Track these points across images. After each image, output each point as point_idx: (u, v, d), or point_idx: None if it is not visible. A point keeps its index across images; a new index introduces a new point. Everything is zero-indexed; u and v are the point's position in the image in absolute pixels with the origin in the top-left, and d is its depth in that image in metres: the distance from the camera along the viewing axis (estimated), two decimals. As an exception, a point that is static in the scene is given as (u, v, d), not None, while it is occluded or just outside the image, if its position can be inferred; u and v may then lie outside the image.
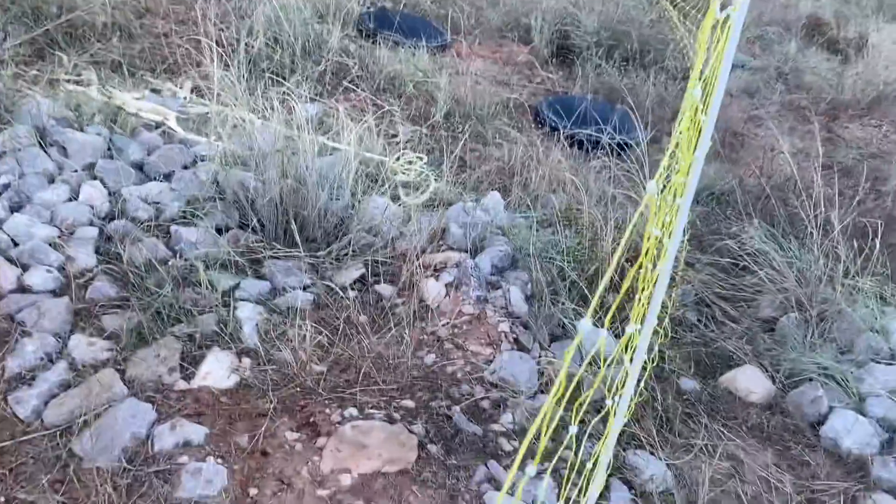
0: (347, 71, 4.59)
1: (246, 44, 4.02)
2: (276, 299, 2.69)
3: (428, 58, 5.05)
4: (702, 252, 3.38)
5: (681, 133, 1.36)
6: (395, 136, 3.90)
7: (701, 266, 3.27)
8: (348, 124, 3.39)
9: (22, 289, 2.53)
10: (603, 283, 1.03)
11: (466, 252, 3.04)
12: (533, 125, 4.66)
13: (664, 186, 1.50)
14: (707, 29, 1.51)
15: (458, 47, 5.63)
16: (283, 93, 3.66)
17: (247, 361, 2.44)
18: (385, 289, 2.83)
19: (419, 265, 2.88)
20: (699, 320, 2.99)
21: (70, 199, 2.93)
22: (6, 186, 2.90)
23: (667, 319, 2.74)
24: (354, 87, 4.45)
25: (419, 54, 5.04)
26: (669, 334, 2.76)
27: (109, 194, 3.01)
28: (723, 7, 1.47)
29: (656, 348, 2.60)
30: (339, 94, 4.31)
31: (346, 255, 2.92)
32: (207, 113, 3.58)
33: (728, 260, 3.30)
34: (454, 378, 2.48)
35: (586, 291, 2.73)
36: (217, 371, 2.36)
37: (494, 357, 2.58)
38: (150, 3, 4.83)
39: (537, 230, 3.18)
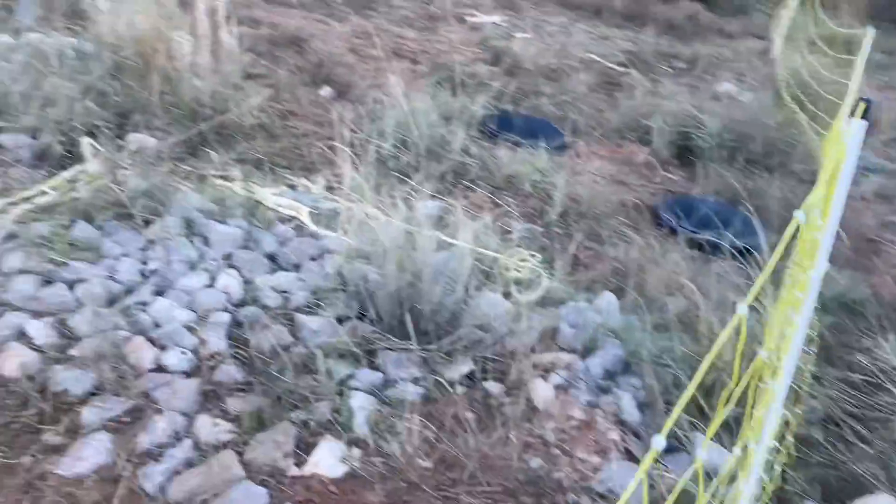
0: (468, 170, 4.77)
1: (375, 145, 4.28)
2: (387, 391, 2.77)
3: (546, 158, 5.16)
4: (831, 366, 3.19)
5: (790, 250, 1.34)
6: (510, 233, 3.98)
7: (829, 381, 3.08)
8: (465, 221, 3.50)
9: (159, 368, 2.74)
10: (685, 396, 1.01)
11: (577, 353, 3.02)
12: (651, 226, 4.63)
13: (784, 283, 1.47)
14: (832, 143, 1.50)
15: (577, 148, 5.74)
16: (407, 191, 3.86)
17: (356, 451, 2.50)
18: (493, 386, 2.85)
19: (529, 364, 2.89)
20: (827, 440, 2.80)
21: (208, 286, 3.17)
22: (154, 272, 3.19)
23: (790, 437, 2.59)
24: (474, 186, 4.61)
25: (538, 154, 5.17)
26: (793, 453, 2.60)
27: (244, 282, 3.23)
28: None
29: (778, 468, 2.45)
30: (458, 193, 4.48)
31: (457, 349, 2.97)
32: (337, 209, 3.82)
33: (860, 376, 3.09)
34: (560, 485, 2.43)
35: (703, 403, 2.63)
36: (328, 459, 2.43)
37: (603, 466, 2.51)
38: (292, 107, 5.27)
39: (652, 335, 3.12)
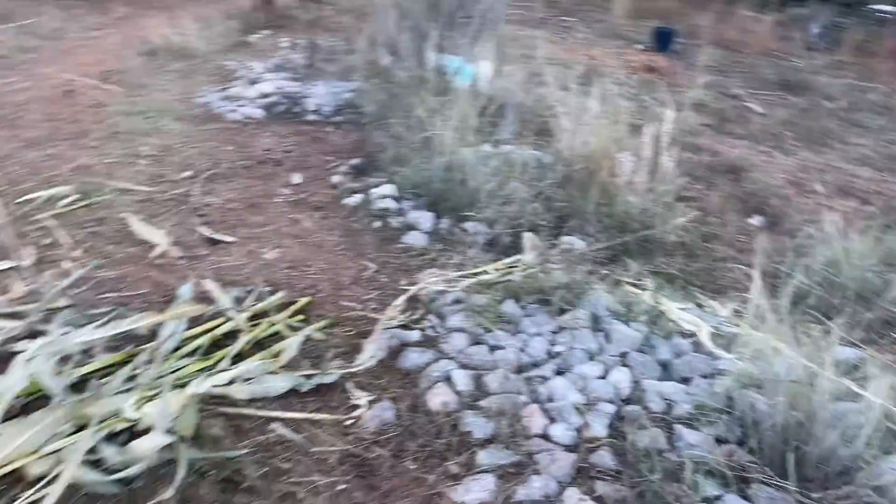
0: (904, 323, 4.30)
1: (796, 279, 4.16)
2: (754, 524, 2.69)
3: None
4: None
5: None
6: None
7: None
8: (884, 375, 3.20)
9: (544, 436, 3.10)
10: None
11: None
12: None
13: None
14: None
15: None
16: (820, 331, 3.67)
17: (707, 572, 2.48)
18: (880, 559, 2.55)
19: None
20: None
21: (601, 377, 3.47)
22: (558, 354, 3.62)
23: None
24: (907, 340, 4.14)
25: None
26: None
27: (633, 382, 3.46)
28: None
29: None
30: (884, 345, 4.06)
31: (843, 506, 2.73)
32: (739, 334, 3.82)
33: None
34: None
35: None
36: (676, 567, 2.47)
37: None
38: (717, 231, 5.40)
39: None
